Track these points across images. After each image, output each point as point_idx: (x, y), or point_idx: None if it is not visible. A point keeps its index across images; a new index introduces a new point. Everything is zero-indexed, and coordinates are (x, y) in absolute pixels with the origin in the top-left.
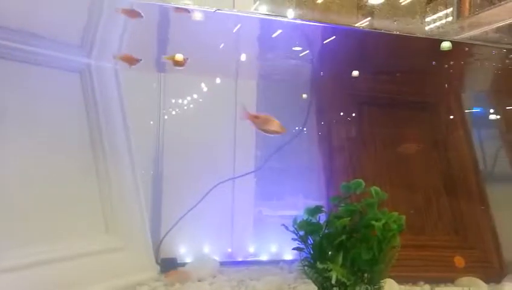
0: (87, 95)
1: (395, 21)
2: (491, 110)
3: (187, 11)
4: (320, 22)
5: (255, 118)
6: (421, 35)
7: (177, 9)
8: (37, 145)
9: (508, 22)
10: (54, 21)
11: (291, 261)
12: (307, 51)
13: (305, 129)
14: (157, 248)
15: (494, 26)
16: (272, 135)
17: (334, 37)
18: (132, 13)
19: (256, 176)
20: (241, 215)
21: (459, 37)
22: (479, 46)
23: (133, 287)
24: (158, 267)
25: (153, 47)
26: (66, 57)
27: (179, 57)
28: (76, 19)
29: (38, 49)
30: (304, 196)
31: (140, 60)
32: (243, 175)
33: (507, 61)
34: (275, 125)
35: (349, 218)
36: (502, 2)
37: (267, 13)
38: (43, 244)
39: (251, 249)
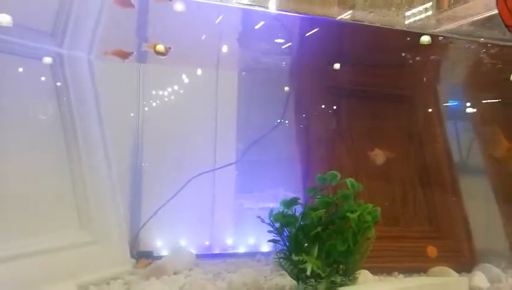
0: (59, 86)
1: (371, 12)
2: (466, 103)
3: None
4: (300, 13)
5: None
6: (399, 28)
7: None
8: (6, 138)
9: (482, 15)
10: (22, 7)
11: (269, 254)
12: (287, 43)
13: (286, 121)
14: (133, 242)
15: (469, 20)
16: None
17: (317, 29)
18: (123, 3)
19: (238, 168)
20: (221, 208)
21: (436, 30)
22: (455, 39)
23: (106, 281)
24: (134, 261)
25: (132, 37)
26: (36, 45)
27: (160, 46)
28: (46, 6)
29: (6, 37)
30: (284, 189)
31: (132, 52)
32: (219, 167)
33: (481, 55)
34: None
35: (324, 210)
36: None
37: (248, 3)
38: (12, 239)
39: (229, 242)
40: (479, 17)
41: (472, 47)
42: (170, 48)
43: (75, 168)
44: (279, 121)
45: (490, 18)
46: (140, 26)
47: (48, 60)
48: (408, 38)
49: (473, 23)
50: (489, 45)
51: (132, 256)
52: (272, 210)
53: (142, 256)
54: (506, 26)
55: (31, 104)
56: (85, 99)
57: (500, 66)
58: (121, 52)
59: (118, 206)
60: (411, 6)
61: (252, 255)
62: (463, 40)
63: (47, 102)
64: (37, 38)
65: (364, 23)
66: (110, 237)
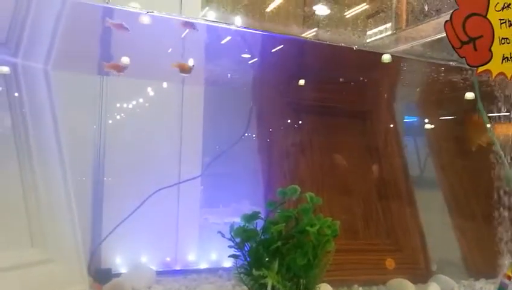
0: (12, 98)
1: (328, 31)
2: (421, 120)
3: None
4: (266, 31)
5: None
6: (358, 47)
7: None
8: None
9: (432, 38)
10: None
11: (231, 269)
12: (250, 59)
13: (254, 135)
14: (91, 259)
15: (422, 42)
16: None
17: (279, 46)
18: (118, 26)
19: (203, 183)
20: (185, 223)
21: (392, 50)
22: (409, 59)
23: None
24: (91, 279)
25: (95, 48)
26: None
27: (185, 64)
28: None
29: None
30: (250, 203)
31: (127, 66)
32: (179, 183)
33: (434, 74)
34: None
35: (284, 224)
36: (427, 19)
37: (214, 20)
38: None
39: (192, 258)
40: (429, 39)
41: (425, 66)
42: (193, 66)
43: (27, 183)
44: (243, 136)
45: (439, 40)
46: (103, 38)
47: (1, 69)
48: (366, 57)
49: (424, 45)
50: (442, 67)
51: (90, 274)
52: (232, 225)
53: (100, 273)
54: (454, 48)
55: None
56: (41, 111)
57: (452, 85)
58: (117, 66)
59: (74, 222)
60: (366, 27)
61: (213, 271)
62: (416, 60)
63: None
64: None
65: (325, 42)
66: (66, 254)
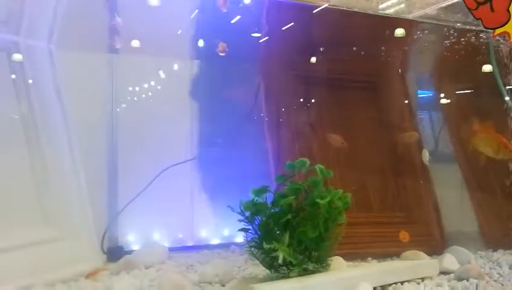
0: (17, 77)
1: None
2: (436, 92)
3: None
4: None
5: None
6: (372, 13)
7: None
8: None
9: (447, 2)
10: None
11: (243, 244)
12: (257, 32)
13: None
14: (103, 237)
15: (437, 7)
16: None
17: (289, 16)
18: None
19: (215, 162)
20: (198, 201)
21: (409, 16)
22: (424, 30)
23: (74, 278)
24: (105, 257)
25: (100, 26)
26: None
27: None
28: None
29: None
30: (263, 180)
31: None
32: (184, 161)
33: (449, 44)
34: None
35: (294, 197)
36: None
37: None
38: None
39: (204, 234)
40: (444, 4)
41: (442, 36)
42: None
43: (37, 165)
44: (252, 112)
45: (453, 5)
46: (112, 15)
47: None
48: (378, 26)
49: (438, 10)
50: (458, 34)
51: (103, 251)
52: (241, 199)
53: (112, 251)
54: (469, 9)
55: None
56: (45, 91)
57: (468, 55)
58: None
59: (85, 202)
60: None
61: (226, 246)
62: (432, 27)
63: (4, 95)
64: None
65: (337, 7)
66: (78, 232)
